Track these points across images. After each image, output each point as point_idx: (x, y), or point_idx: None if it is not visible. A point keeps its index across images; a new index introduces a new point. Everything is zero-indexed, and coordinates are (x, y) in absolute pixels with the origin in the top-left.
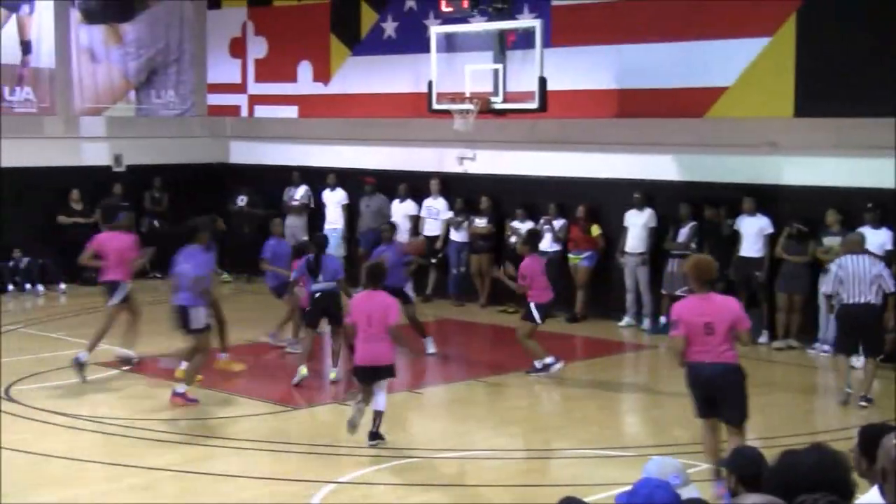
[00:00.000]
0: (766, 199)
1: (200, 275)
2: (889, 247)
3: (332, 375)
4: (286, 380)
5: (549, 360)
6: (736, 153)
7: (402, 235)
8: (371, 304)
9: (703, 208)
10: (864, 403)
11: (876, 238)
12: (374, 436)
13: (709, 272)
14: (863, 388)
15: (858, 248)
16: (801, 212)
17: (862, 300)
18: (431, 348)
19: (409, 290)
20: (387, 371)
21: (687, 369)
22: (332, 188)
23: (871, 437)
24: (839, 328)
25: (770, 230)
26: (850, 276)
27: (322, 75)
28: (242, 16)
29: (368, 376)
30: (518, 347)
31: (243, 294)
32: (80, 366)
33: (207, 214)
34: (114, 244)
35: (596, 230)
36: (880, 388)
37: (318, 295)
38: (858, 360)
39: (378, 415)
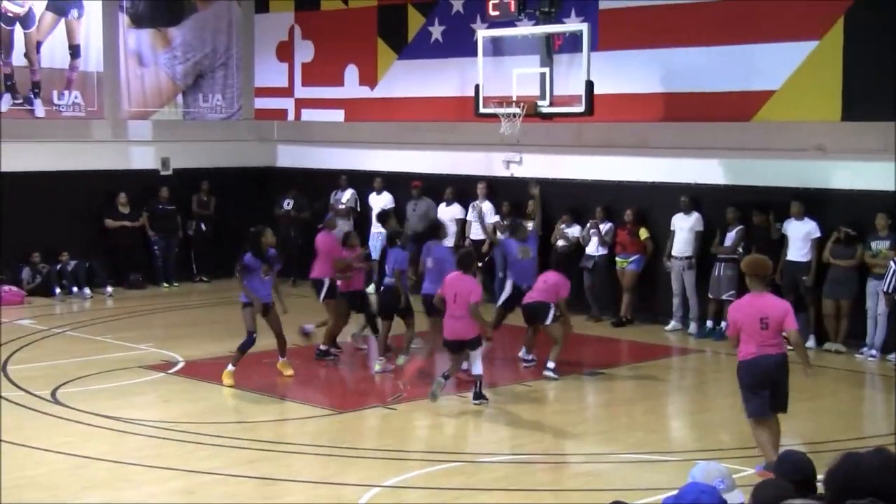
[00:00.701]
0: (814, 203)
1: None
2: None
3: (400, 361)
4: (330, 383)
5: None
6: (783, 157)
7: (449, 240)
8: (458, 285)
9: (750, 212)
10: None
11: None
12: (478, 395)
13: (765, 268)
14: None
15: None
16: (848, 216)
17: None
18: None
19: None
20: (471, 343)
21: (746, 366)
22: (379, 192)
23: None
24: None
25: (817, 234)
26: None
27: (369, 79)
28: (290, 20)
29: (455, 348)
30: (565, 353)
31: (289, 297)
32: (324, 353)
33: (255, 218)
34: (321, 243)
35: (644, 234)
36: None
37: (381, 288)
38: None
39: (477, 377)
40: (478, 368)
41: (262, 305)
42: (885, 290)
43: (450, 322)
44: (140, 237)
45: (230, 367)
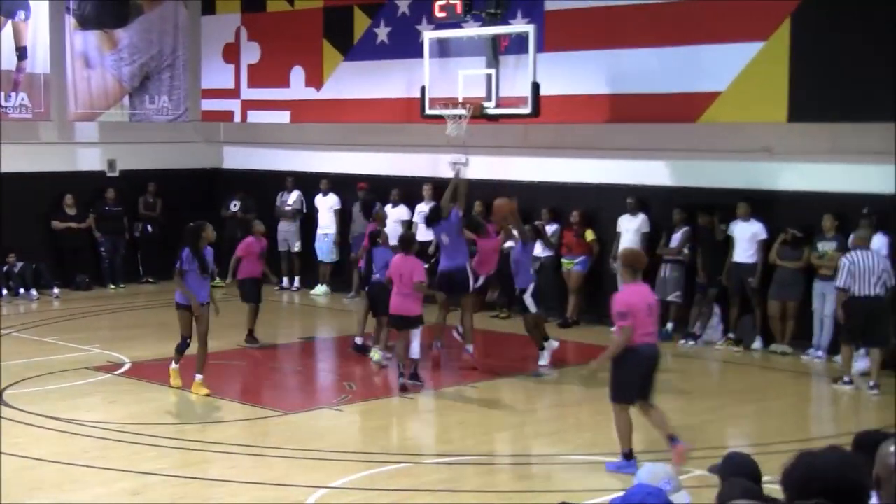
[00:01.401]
0: (761, 204)
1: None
2: (885, 251)
3: (376, 357)
4: (277, 384)
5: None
6: (730, 158)
7: (392, 241)
8: (403, 266)
9: (696, 213)
10: (875, 392)
11: (872, 243)
12: (413, 376)
13: (641, 261)
14: (871, 377)
15: (867, 243)
16: (795, 217)
17: (871, 293)
18: (544, 360)
19: (529, 298)
20: (415, 321)
21: (634, 353)
22: (325, 193)
23: (866, 444)
24: (847, 319)
25: (763, 236)
26: (861, 269)
27: (315, 80)
28: (236, 21)
29: (399, 324)
30: (513, 353)
31: (235, 300)
32: (362, 349)
33: (200, 220)
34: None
35: (590, 235)
36: (881, 398)
37: (368, 287)
38: (862, 361)
39: (413, 362)
40: (415, 352)
41: (198, 306)
42: (837, 285)
43: (396, 299)
44: (87, 239)
45: (174, 366)
